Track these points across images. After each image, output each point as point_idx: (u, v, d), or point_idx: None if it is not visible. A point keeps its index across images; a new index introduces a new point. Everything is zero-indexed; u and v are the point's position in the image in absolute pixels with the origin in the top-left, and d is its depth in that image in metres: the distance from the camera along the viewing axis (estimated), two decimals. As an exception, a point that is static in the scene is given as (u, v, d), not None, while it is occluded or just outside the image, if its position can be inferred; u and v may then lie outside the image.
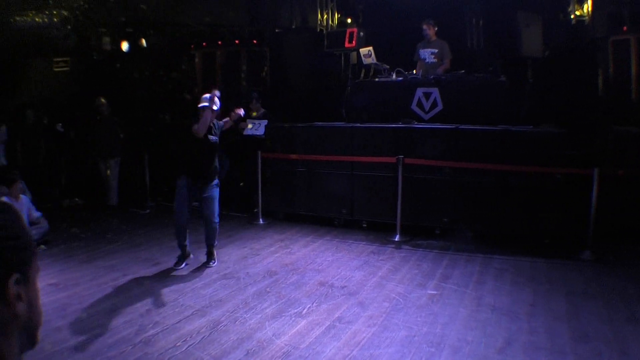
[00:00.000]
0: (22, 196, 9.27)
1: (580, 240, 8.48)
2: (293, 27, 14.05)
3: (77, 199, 13.42)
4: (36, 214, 9.43)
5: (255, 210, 11.10)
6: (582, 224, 8.38)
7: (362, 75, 11.80)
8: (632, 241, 8.79)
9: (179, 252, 8.16)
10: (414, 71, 11.27)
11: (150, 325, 5.83)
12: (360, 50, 11.22)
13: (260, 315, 6.10)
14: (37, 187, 11.59)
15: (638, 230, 8.67)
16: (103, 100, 12.99)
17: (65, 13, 13.64)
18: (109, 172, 12.98)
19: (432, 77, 10.51)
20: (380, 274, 7.63)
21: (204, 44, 14.63)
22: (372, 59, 11.06)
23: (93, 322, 5.94)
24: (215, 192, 8.18)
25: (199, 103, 8.01)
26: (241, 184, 12.33)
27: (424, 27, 11.35)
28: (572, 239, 8.70)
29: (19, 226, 1.31)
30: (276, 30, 14.03)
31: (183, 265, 8.08)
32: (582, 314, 6.07)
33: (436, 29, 11.36)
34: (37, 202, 9.96)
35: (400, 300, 6.56)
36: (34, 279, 1.36)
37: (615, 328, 5.70)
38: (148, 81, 15.25)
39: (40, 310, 1.39)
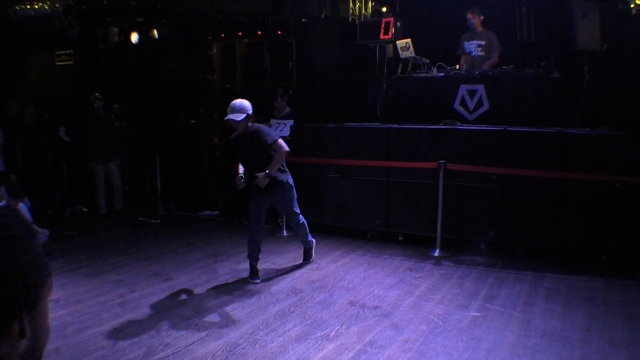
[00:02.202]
0: (21, 204, 9.40)
1: (641, 258, 8.49)
2: (322, 16, 14.10)
3: (80, 207, 13.59)
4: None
5: (279, 220, 11.18)
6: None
7: (399, 70, 11.82)
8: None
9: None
10: (457, 66, 11.28)
11: (160, 348, 5.92)
12: (397, 42, 11.24)
13: (282, 338, 6.17)
14: (39, 194, 11.77)
15: None
16: (98, 95, 13.19)
17: (69, 1, 13.81)
18: (113, 178, 13.22)
19: (477, 72, 10.52)
20: (417, 293, 7.68)
21: (222, 35, 14.76)
22: (410, 52, 11.08)
23: (96, 343, 6.04)
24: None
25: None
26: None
27: (468, 16, 11.35)
28: (633, 256, 8.68)
29: (27, 255, 1.34)
30: (303, 20, 14.11)
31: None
32: (642, 340, 6.10)
33: (482, 18, 11.36)
34: (37, 210, 10.09)
35: (440, 322, 6.60)
36: (44, 302, 1.42)
37: (680, 356, 5.71)
38: (160, 76, 15.38)
39: (48, 327, 1.47)
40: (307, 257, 9.22)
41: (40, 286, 1.38)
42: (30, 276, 1.33)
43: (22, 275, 1.30)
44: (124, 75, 15.46)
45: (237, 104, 7.97)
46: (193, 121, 14.19)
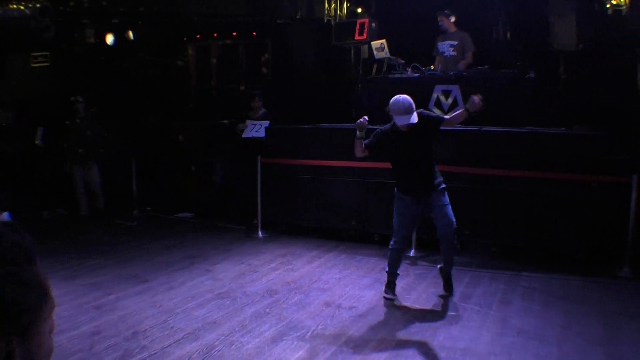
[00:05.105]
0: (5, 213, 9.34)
1: (617, 256, 8.47)
2: (297, 17, 14.07)
3: (59, 210, 13.46)
4: None
5: (255, 221, 11.12)
6: (619, 237, 8.35)
7: (374, 71, 11.82)
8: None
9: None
10: (432, 67, 11.26)
11: (137, 350, 5.84)
12: (372, 43, 11.26)
13: (258, 339, 6.11)
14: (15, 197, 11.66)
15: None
16: (80, 98, 13.13)
17: (44, 2, 13.66)
18: (91, 180, 13.11)
19: (452, 73, 10.52)
20: (393, 293, 7.64)
21: (197, 36, 14.67)
22: (385, 53, 11.08)
23: (73, 346, 5.96)
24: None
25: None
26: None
27: (438, 19, 11.35)
28: (609, 254, 8.69)
29: (23, 281, 1.25)
30: (278, 21, 14.06)
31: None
32: (619, 338, 6.09)
33: (453, 19, 11.33)
34: (13, 213, 9.97)
35: (416, 322, 6.58)
36: (41, 326, 1.32)
37: (656, 353, 5.70)
38: (135, 78, 15.28)
39: (47, 350, 1.37)
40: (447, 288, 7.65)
41: (32, 313, 1.28)
42: (20, 304, 1.24)
43: (7, 304, 1.21)
44: (100, 77, 15.33)
45: (405, 104, 6.75)
46: (168, 123, 14.11)
